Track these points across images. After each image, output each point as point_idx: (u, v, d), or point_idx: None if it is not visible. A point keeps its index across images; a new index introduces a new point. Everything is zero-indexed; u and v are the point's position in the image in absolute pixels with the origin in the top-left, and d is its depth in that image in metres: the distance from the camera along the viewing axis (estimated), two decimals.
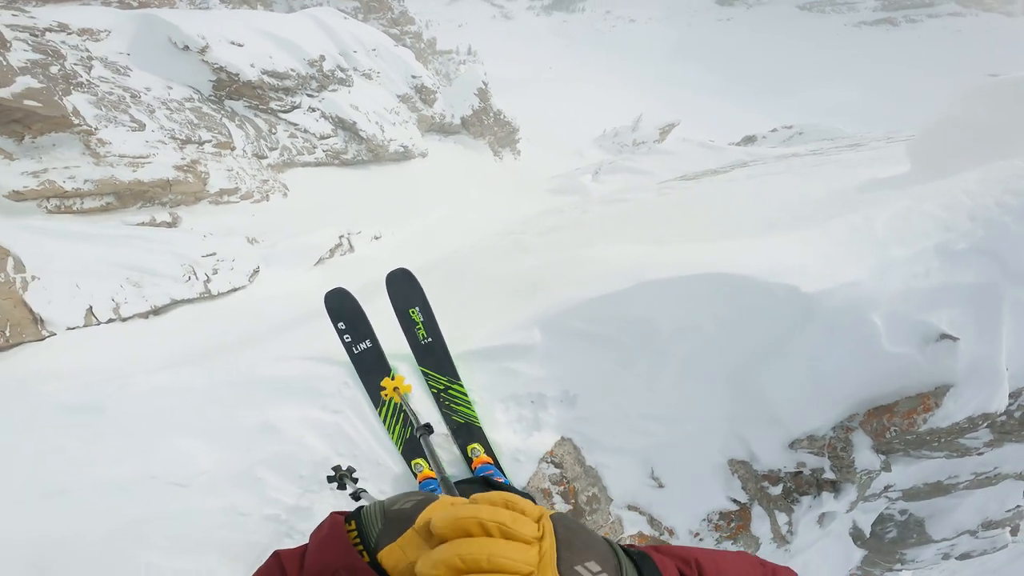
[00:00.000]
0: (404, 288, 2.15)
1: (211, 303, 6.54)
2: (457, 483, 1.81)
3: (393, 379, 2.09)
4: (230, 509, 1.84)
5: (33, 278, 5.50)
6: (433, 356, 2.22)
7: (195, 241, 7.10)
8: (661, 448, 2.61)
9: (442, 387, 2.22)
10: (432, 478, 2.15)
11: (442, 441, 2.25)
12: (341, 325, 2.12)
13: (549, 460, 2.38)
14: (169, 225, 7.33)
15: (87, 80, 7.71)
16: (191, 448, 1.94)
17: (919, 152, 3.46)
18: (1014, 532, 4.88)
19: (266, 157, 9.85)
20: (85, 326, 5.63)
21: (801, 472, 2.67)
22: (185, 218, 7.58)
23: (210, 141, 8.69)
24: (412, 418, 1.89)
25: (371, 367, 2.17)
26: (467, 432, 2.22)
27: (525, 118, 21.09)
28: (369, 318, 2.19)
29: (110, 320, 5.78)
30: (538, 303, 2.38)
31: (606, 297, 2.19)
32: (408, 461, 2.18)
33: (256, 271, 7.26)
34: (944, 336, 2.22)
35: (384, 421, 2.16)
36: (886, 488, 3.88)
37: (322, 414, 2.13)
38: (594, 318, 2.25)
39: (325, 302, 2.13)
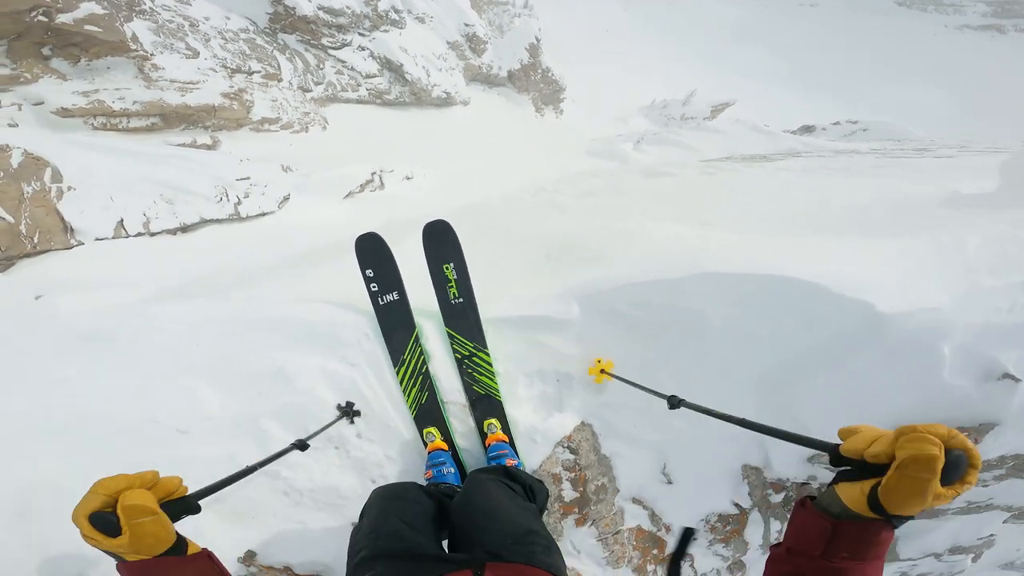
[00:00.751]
0: (442, 241, 1.97)
1: (239, 225, 6.62)
2: (475, 471, 1.73)
3: (599, 363, 2.02)
4: (228, 460, 1.77)
5: (69, 188, 5.58)
6: (462, 318, 2.07)
7: (231, 164, 7.20)
8: (679, 445, 2.52)
9: (467, 353, 2.09)
10: (443, 449, 2.07)
11: (459, 411, 2.15)
12: (369, 272, 1.97)
13: (566, 445, 2.27)
14: (209, 148, 7.47)
15: (150, 7, 7.84)
16: (198, 390, 1.84)
17: (1016, 172, 3.11)
18: (976, 559, 4.78)
19: (311, 91, 9.95)
20: (114, 238, 5.71)
21: (807, 483, 2.61)
22: (225, 142, 7.72)
23: (259, 72, 8.87)
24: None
25: (395, 321, 2.03)
26: (487, 404, 2.11)
27: (572, 77, 20.25)
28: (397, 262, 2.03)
29: (139, 234, 5.87)
30: (579, 275, 2.21)
31: (660, 283, 2.01)
32: (420, 429, 2.08)
33: (286, 198, 7.34)
34: (1006, 376, 2.09)
35: (401, 382, 2.05)
36: None
37: (339, 366, 2.03)
38: (641, 302, 2.07)
39: (356, 246, 1.98)
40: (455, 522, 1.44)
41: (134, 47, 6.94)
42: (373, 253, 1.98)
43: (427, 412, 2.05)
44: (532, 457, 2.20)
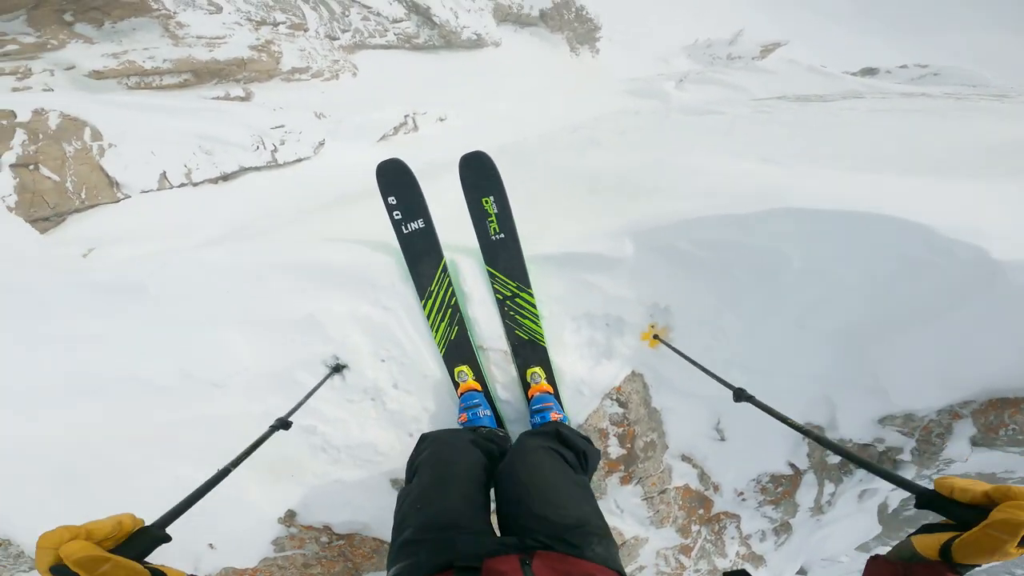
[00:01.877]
0: (479, 173, 1.77)
1: (277, 171, 6.75)
2: (524, 435, 1.60)
3: (652, 328, 1.88)
4: (265, 416, 1.68)
5: (110, 145, 5.69)
6: (504, 255, 1.88)
7: (265, 114, 7.29)
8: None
9: (509, 294, 1.92)
10: (476, 390, 1.94)
11: (500, 359, 2.01)
12: (392, 200, 1.80)
13: (615, 397, 2.11)
14: (242, 100, 7.54)
15: None
16: (231, 342, 1.74)
17: None
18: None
19: (338, 38, 9.77)
20: (159, 190, 5.87)
21: (870, 445, 2.40)
22: (258, 94, 7.77)
23: (284, 23, 8.80)
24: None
25: (421, 250, 1.87)
26: (530, 351, 1.95)
27: (609, 15, 18.94)
28: (427, 198, 1.86)
29: (182, 184, 6.03)
30: (633, 210, 1.96)
31: (731, 217, 1.74)
32: (451, 368, 1.95)
33: (322, 143, 7.41)
34: None
35: (428, 317, 1.91)
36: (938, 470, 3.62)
37: (372, 310, 1.90)
38: (706, 240, 1.81)
39: (376, 173, 1.80)
40: (502, 493, 1.34)
41: (155, 6, 6.91)
42: (395, 178, 1.81)
43: (457, 349, 1.93)
44: (578, 411, 2.04)
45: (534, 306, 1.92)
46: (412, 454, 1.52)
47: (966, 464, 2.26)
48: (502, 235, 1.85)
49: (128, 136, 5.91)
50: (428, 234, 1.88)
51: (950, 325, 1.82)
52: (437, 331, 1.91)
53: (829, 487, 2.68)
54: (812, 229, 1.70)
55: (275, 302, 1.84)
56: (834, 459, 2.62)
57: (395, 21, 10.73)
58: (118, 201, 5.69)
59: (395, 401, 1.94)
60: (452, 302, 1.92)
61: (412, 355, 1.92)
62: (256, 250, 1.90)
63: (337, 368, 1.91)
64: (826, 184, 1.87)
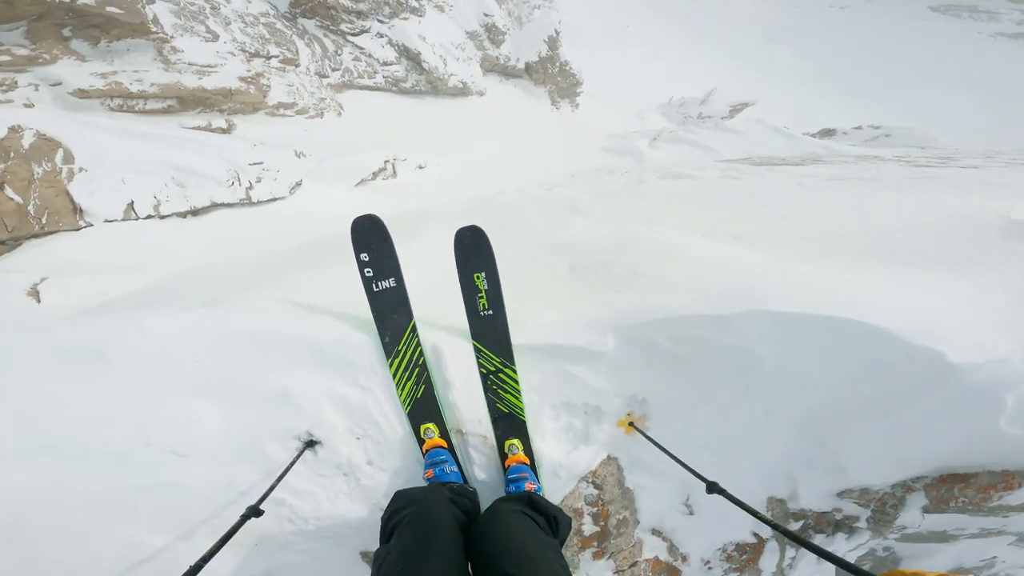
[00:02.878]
0: (472, 248, 1.80)
1: (250, 209, 6.56)
2: (498, 501, 1.62)
3: (628, 416, 1.92)
4: (229, 486, 1.63)
5: (81, 170, 5.52)
6: (491, 332, 1.90)
7: (244, 148, 7.18)
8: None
9: (494, 368, 1.94)
10: (442, 447, 1.93)
11: (479, 444, 2.01)
12: (364, 256, 1.81)
13: (590, 480, 2.12)
14: (224, 131, 7.46)
15: None
16: (197, 411, 1.70)
17: None
18: None
19: (327, 76, 9.91)
20: (123, 220, 5.64)
21: (829, 513, 2.52)
22: (240, 126, 7.70)
23: (277, 56, 8.88)
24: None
25: (390, 309, 1.87)
26: (510, 424, 1.97)
27: (590, 72, 19.89)
28: (402, 258, 1.86)
29: (148, 216, 5.81)
30: (614, 299, 2.02)
31: (710, 317, 1.82)
32: (416, 425, 1.92)
33: (298, 183, 7.29)
34: None
35: (395, 376, 1.89)
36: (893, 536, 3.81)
37: (349, 390, 1.87)
38: (684, 337, 1.88)
39: (351, 228, 1.80)
40: (476, 554, 1.38)
41: (155, 29, 6.89)
42: (370, 235, 1.83)
43: (423, 407, 1.91)
44: (555, 492, 2.05)
45: (517, 382, 1.95)
46: (387, 511, 1.53)
47: (919, 528, 2.38)
48: (491, 312, 1.88)
49: (101, 161, 5.75)
50: (399, 293, 1.88)
51: (906, 417, 1.93)
52: (403, 389, 1.90)
53: (791, 551, 2.77)
54: (784, 331, 1.79)
55: (247, 374, 1.79)
56: (795, 525, 2.70)
57: (385, 64, 10.98)
58: (79, 229, 5.45)
59: (369, 477, 1.90)
60: (420, 361, 1.92)
61: (388, 434, 1.89)
62: (229, 319, 1.86)
63: (310, 444, 1.86)
64: (796, 281, 1.98)
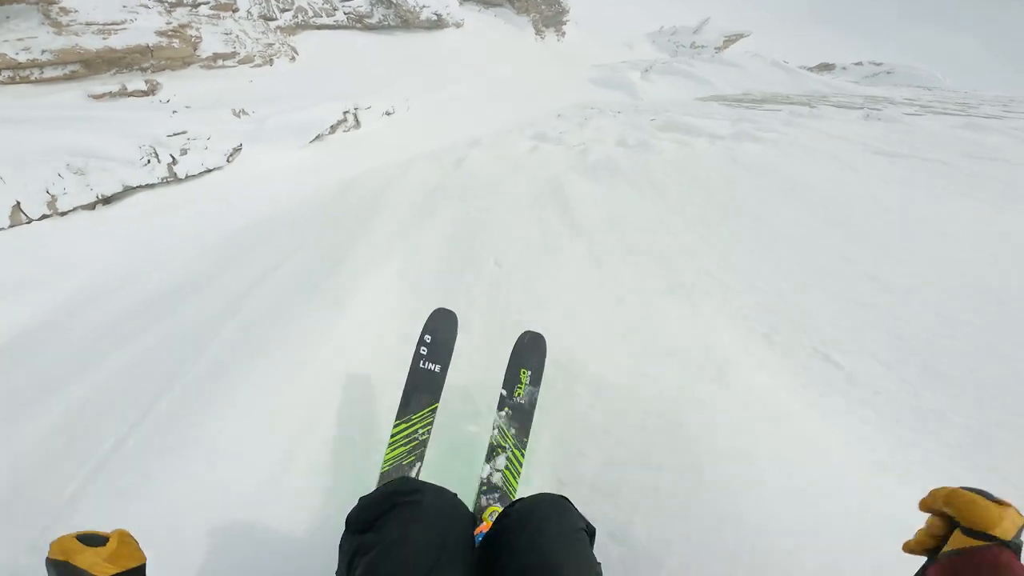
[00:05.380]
0: (530, 351, 1.99)
1: (177, 187, 5.56)
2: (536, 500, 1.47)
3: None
4: None
5: None
6: (515, 417, 1.94)
7: (160, 119, 6.12)
8: None
9: (505, 445, 1.86)
10: None
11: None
12: (428, 338, 1.92)
13: None
14: (144, 93, 6.52)
15: None
16: None
17: None
18: None
19: (275, 19, 8.66)
20: (12, 226, 4.63)
21: None
22: (166, 84, 6.68)
23: (206, 2, 7.88)
24: None
25: (424, 387, 1.90)
26: (498, 496, 1.81)
27: None
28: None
29: (44, 216, 4.80)
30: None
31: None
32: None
33: (237, 149, 6.31)
34: None
35: (392, 436, 1.77)
36: None
37: None
38: None
39: (429, 318, 1.91)
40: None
41: None
42: (442, 326, 1.96)
43: (399, 473, 1.74)
44: None
45: (520, 464, 1.89)
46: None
47: None
48: (522, 401, 1.96)
49: None
50: (439, 378, 1.96)
51: None
52: (393, 450, 1.75)
53: None
54: None
55: None
56: None
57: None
58: None
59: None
60: (424, 439, 1.86)
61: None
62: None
63: None
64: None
